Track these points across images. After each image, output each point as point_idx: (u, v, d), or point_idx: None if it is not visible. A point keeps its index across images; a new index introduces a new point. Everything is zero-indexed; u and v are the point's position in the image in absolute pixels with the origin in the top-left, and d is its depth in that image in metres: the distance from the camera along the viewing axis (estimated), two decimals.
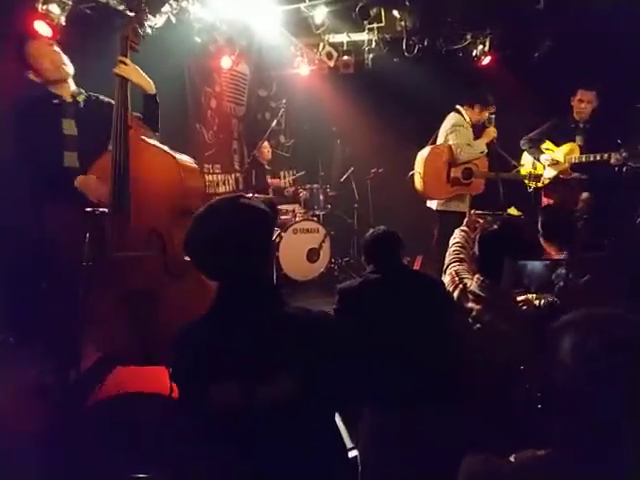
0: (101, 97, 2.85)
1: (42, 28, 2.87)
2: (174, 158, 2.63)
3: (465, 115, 4.19)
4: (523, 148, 4.46)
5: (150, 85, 2.75)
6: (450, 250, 2.52)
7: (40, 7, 2.88)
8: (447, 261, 2.46)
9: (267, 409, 1.23)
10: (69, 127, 2.71)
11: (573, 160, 4.12)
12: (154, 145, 2.69)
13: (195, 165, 2.87)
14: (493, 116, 4.12)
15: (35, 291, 2.81)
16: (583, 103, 4.10)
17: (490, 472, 0.95)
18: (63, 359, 2.42)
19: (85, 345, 2.51)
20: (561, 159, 4.19)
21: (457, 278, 2.25)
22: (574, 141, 4.17)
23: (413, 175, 4.36)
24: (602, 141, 3.99)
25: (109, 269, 2.47)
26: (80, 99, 2.76)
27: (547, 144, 4.31)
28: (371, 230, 2.35)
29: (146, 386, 2.71)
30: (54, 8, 2.91)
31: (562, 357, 0.87)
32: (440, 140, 4.28)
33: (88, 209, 2.39)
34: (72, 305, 2.36)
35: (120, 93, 2.56)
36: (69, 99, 2.74)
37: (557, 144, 4.26)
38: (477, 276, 2.13)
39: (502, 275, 2.03)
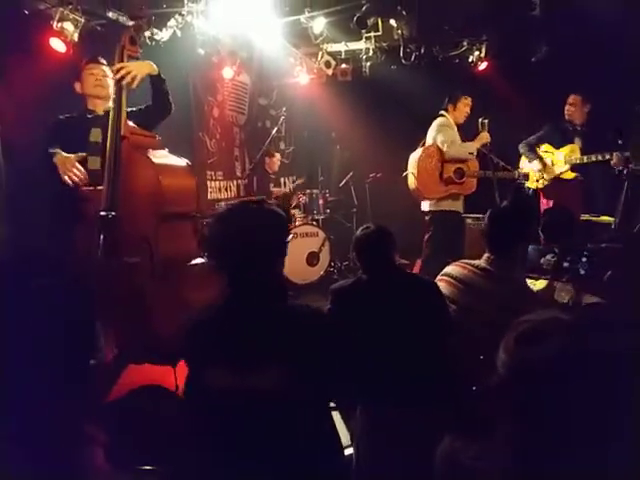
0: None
1: (57, 45, 3.02)
2: (152, 163, 2.67)
3: (449, 118, 4.33)
4: (521, 152, 4.55)
5: (152, 67, 2.80)
6: None
7: (55, 25, 3.02)
8: None
9: (258, 397, 1.31)
10: (95, 135, 2.81)
11: (574, 161, 4.24)
12: (146, 155, 2.72)
13: (186, 168, 2.91)
14: (486, 121, 4.20)
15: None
16: (567, 105, 4.34)
17: (452, 454, 1.03)
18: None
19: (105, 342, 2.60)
20: (562, 161, 4.31)
21: (462, 263, 2.23)
22: (573, 143, 4.29)
23: (407, 176, 4.45)
24: (600, 142, 4.10)
25: (102, 274, 2.55)
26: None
27: (545, 147, 4.44)
28: (362, 228, 2.26)
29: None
30: (68, 26, 3.05)
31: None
32: (429, 142, 4.39)
33: (102, 213, 2.48)
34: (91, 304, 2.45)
35: (116, 98, 2.66)
36: (101, 113, 2.87)
37: (556, 147, 4.38)
38: (486, 255, 2.11)
39: (512, 255, 2.05)
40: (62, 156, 2.65)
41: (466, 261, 2.23)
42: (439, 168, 4.28)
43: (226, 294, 1.44)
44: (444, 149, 4.19)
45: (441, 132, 4.26)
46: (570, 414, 0.83)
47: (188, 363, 1.46)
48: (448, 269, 2.27)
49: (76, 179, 2.61)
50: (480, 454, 0.99)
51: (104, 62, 2.88)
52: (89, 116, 2.87)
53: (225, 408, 1.35)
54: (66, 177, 2.61)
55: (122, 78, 2.60)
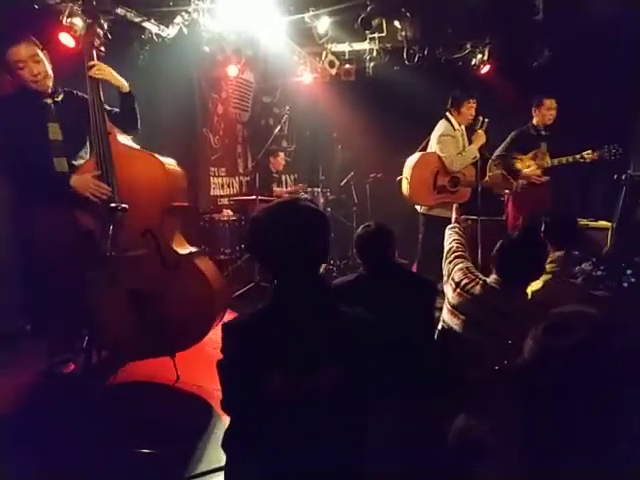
0: (75, 91, 2.85)
1: (66, 39, 3.07)
2: (158, 159, 2.74)
3: (454, 122, 4.29)
4: (495, 164, 4.55)
5: (124, 83, 2.79)
6: (450, 248, 2.50)
7: (65, 20, 3.07)
8: (450, 259, 2.43)
9: (313, 399, 1.30)
10: (54, 132, 2.71)
11: (545, 165, 4.31)
12: (136, 148, 2.79)
13: (176, 165, 2.96)
14: (486, 120, 4.19)
15: (49, 282, 2.83)
16: (549, 110, 4.35)
17: (466, 429, 1.11)
18: (82, 346, 2.51)
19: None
20: (533, 165, 4.38)
21: (472, 275, 2.23)
22: (539, 147, 4.38)
23: (401, 180, 4.47)
24: (567, 144, 4.24)
25: (111, 269, 2.54)
26: (58, 98, 2.76)
27: (516, 154, 4.48)
28: (363, 225, 2.32)
29: (153, 375, 2.91)
30: (77, 21, 3.11)
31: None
32: (431, 147, 4.40)
33: (112, 205, 2.48)
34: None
35: (94, 95, 2.63)
36: (49, 101, 2.73)
37: (524, 153, 4.45)
38: (494, 276, 2.13)
39: (520, 282, 2.08)
40: (79, 178, 2.62)
41: (474, 272, 2.24)
42: (434, 176, 4.25)
43: (273, 295, 1.40)
44: (447, 165, 4.18)
45: (441, 143, 4.22)
46: (582, 402, 0.89)
47: (237, 366, 1.37)
48: (456, 276, 2.27)
49: (101, 195, 2.60)
50: (491, 429, 1.07)
51: (32, 39, 2.60)
52: (38, 104, 2.69)
53: (280, 409, 1.33)
54: (90, 195, 2.59)
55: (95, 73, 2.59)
